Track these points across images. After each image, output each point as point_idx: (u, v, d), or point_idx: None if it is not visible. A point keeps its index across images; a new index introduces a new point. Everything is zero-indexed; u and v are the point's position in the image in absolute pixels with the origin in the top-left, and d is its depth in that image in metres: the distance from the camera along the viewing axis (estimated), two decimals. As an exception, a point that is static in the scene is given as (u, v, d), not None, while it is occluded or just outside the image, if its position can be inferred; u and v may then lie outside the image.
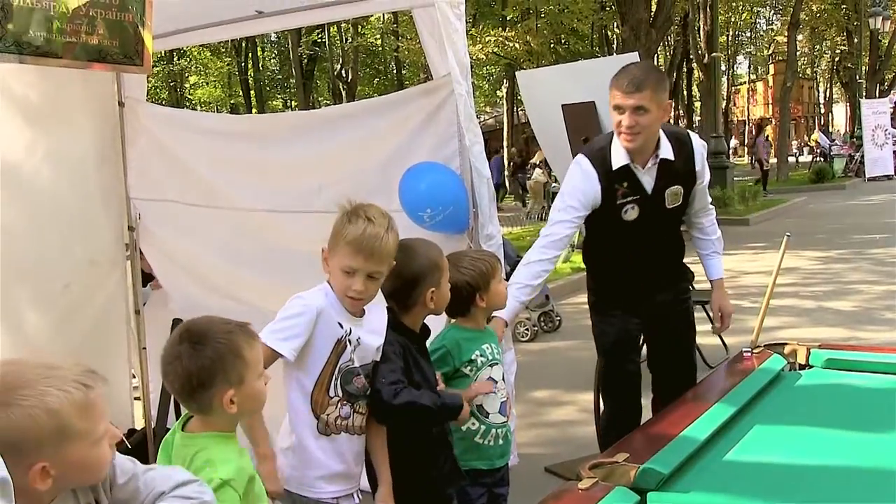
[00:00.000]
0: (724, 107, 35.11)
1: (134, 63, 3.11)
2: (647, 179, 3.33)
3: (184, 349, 1.83)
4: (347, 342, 2.31)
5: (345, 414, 2.34)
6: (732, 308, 3.70)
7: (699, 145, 3.47)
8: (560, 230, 3.34)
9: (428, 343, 2.68)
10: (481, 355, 2.77)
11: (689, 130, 3.54)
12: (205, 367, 1.81)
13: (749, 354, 2.88)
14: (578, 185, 3.34)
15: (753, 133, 22.47)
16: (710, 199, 3.69)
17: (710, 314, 6.55)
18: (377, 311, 2.44)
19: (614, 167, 3.29)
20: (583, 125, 4.50)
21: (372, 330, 2.40)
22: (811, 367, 2.86)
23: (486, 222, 3.52)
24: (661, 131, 3.36)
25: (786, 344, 2.95)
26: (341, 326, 2.30)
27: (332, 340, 2.29)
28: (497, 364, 2.81)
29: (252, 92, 33.80)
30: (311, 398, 2.30)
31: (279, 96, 39.91)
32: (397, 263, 2.41)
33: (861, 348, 3.09)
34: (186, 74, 35.15)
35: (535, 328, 7.80)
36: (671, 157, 3.32)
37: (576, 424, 5.02)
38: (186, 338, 1.85)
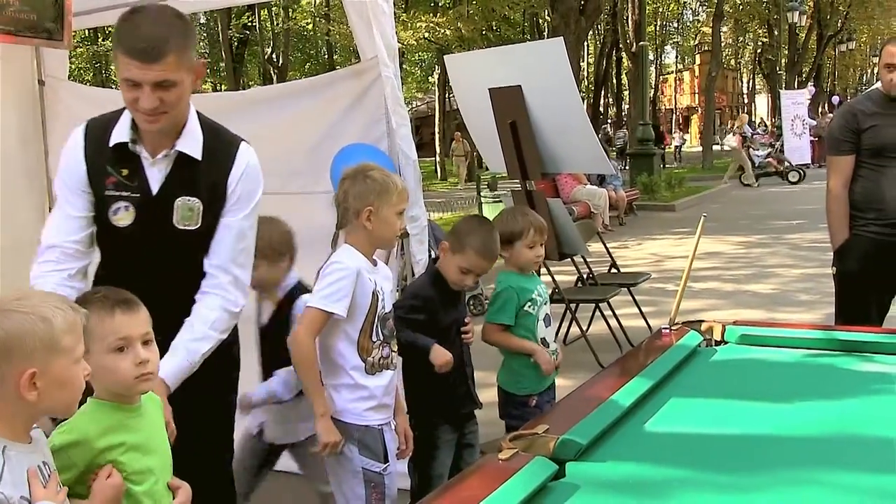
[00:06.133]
0: (652, 95, 35.71)
1: (54, 38, 3.03)
2: (155, 174, 2.40)
3: None
4: (380, 292, 2.69)
5: (385, 354, 2.74)
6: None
7: (247, 160, 2.48)
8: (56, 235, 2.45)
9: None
10: (539, 295, 3.39)
11: (244, 140, 2.54)
12: None
13: (667, 331, 2.96)
14: (62, 162, 2.47)
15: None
16: (241, 274, 2.48)
17: (634, 297, 6.76)
18: (381, 262, 2.87)
19: (111, 143, 2.38)
20: (509, 109, 4.57)
21: (384, 276, 2.79)
22: (726, 342, 2.96)
23: (411, 204, 3.55)
24: (195, 114, 2.45)
25: (703, 321, 3.05)
26: (370, 280, 2.66)
27: (370, 293, 2.65)
28: (548, 303, 3.49)
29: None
30: (357, 345, 2.66)
31: (209, 80, 39.10)
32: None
33: (773, 324, 3.21)
34: (112, 56, 34.23)
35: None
36: (197, 155, 2.40)
37: (504, 405, 5.09)
38: None
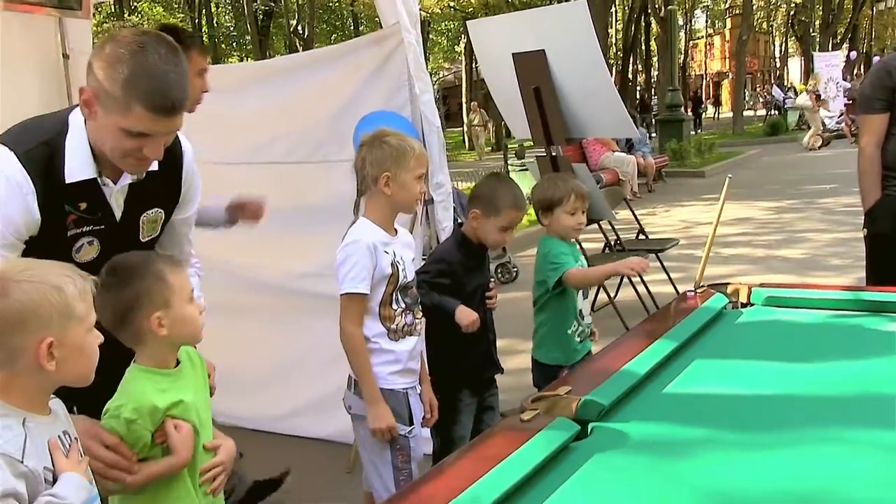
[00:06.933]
0: (681, 61, 35.24)
1: (72, 8, 3.03)
2: (118, 199, 2.22)
3: (111, 281, 1.94)
4: (398, 263, 2.69)
5: (409, 321, 2.76)
6: None
7: (189, 150, 2.40)
8: None
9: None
10: (581, 266, 3.43)
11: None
12: (132, 292, 1.93)
13: (692, 294, 2.94)
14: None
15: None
16: (192, 249, 2.63)
17: (663, 263, 6.72)
18: (403, 229, 2.87)
19: (69, 179, 2.10)
20: (533, 74, 4.52)
21: (404, 244, 2.80)
22: (752, 304, 2.93)
23: (435, 171, 3.57)
24: None
25: (728, 284, 3.02)
26: (387, 252, 2.66)
27: (388, 265, 2.66)
28: None
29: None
30: (379, 314, 2.69)
31: (235, 53, 39.20)
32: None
33: (800, 286, 3.17)
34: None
35: (493, 279, 7.87)
36: (156, 166, 2.23)
37: (530, 371, 5.09)
38: (111, 271, 1.97)
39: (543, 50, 4.44)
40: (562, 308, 3.39)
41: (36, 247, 2.07)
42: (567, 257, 3.32)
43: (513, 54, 4.62)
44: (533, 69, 4.55)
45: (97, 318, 1.93)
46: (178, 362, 2.05)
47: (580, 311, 3.42)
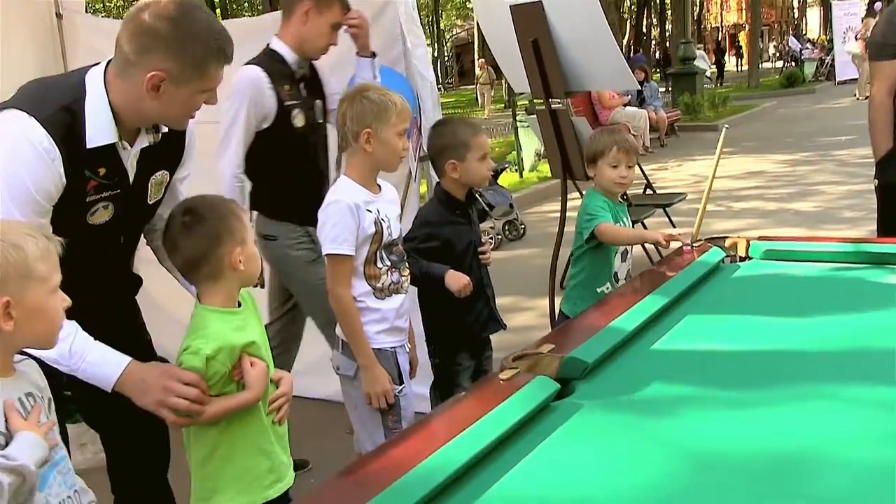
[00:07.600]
0: (696, 13, 34.65)
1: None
2: (132, 163, 2.19)
3: (190, 220, 2.01)
4: (382, 221, 2.63)
5: (395, 279, 2.71)
6: None
7: None
8: None
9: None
10: (623, 226, 3.36)
11: None
12: (214, 228, 2.00)
13: (689, 248, 2.88)
14: (22, 172, 1.96)
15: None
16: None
17: (671, 218, 6.64)
18: (387, 184, 2.78)
19: (90, 145, 2.05)
20: (531, 26, 4.42)
21: (388, 200, 2.72)
22: (751, 258, 2.86)
23: (429, 126, 3.48)
24: None
25: (726, 237, 2.95)
26: (371, 211, 2.59)
27: (372, 224, 2.60)
28: None
29: (218, 11, 32.88)
30: (364, 273, 2.63)
31: (246, 14, 38.88)
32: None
33: (799, 238, 3.10)
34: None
35: (500, 237, 7.85)
36: (165, 127, 2.24)
37: (535, 329, 5.07)
38: (189, 212, 2.03)
39: (541, 1, 4.34)
40: (597, 264, 3.31)
41: (55, 210, 2.04)
42: (603, 211, 3.24)
43: (510, 6, 4.51)
44: (531, 21, 4.44)
45: (173, 261, 2.09)
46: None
47: (615, 273, 3.34)
